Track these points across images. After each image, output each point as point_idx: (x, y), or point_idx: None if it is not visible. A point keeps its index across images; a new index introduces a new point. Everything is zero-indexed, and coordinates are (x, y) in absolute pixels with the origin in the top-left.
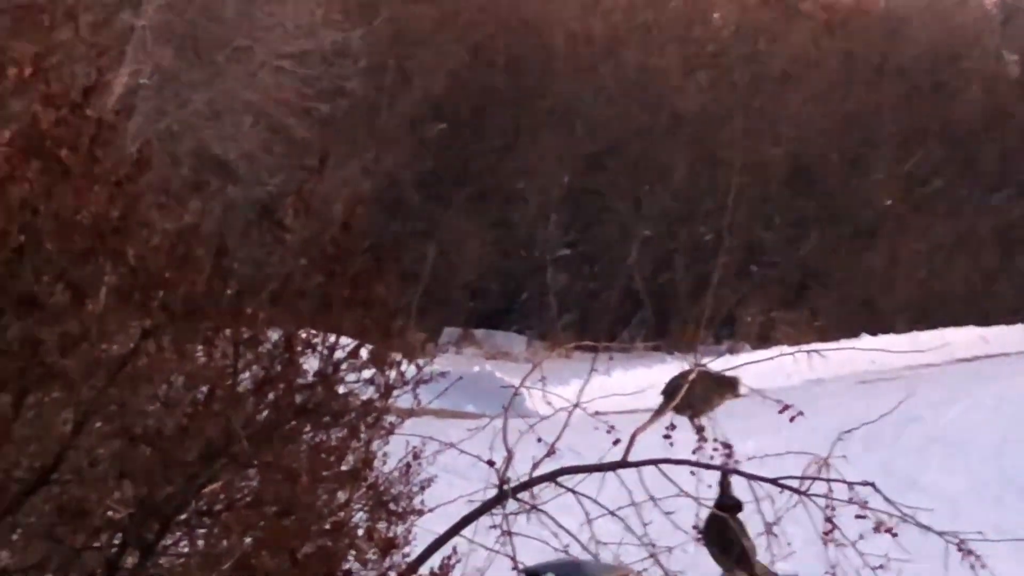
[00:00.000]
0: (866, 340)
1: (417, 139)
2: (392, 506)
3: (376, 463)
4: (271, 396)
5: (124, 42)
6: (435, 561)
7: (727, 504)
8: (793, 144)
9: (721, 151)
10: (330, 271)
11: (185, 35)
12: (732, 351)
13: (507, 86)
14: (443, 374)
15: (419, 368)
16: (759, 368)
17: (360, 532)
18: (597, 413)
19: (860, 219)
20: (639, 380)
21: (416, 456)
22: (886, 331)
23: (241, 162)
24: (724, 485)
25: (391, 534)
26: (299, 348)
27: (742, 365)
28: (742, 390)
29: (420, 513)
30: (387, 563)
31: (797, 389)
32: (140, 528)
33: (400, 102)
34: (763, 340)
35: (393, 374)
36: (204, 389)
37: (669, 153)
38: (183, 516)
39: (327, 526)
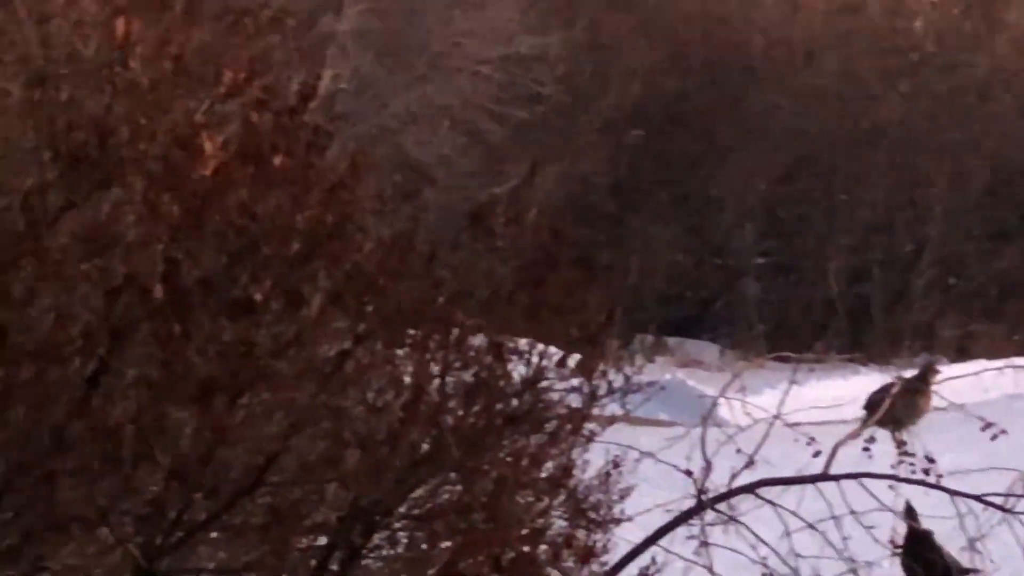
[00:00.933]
0: None
1: (613, 145)
2: (591, 514)
3: (576, 471)
4: (478, 403)
5: (325, 47)
6: (632, 571)
7: (925, 530)
8: (995, 155)
9: (920, 161)
10: (538, 279)
11: (385, 40)
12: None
13: (704, 92)
14: (651, 384)
15: (627, 377)
16: (957, 382)
17: (559, 540)
18: (794, 425)
19: None
20: (834, 391)
21: (616, 464)
22: None
23: (438, 167)
24: (909, 514)
25: (590, 542)
26: (506, 355)
27: (945, 380)
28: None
29: (619, 522)
30: (585, 572)
31: (996, 404)
32: (348, 531)
33: (597, 108)
34: (961, 353)
35: (600, 383)
36: (412, 395)
37: (867, 163)
38: (390, 520)
39: (527, 532)
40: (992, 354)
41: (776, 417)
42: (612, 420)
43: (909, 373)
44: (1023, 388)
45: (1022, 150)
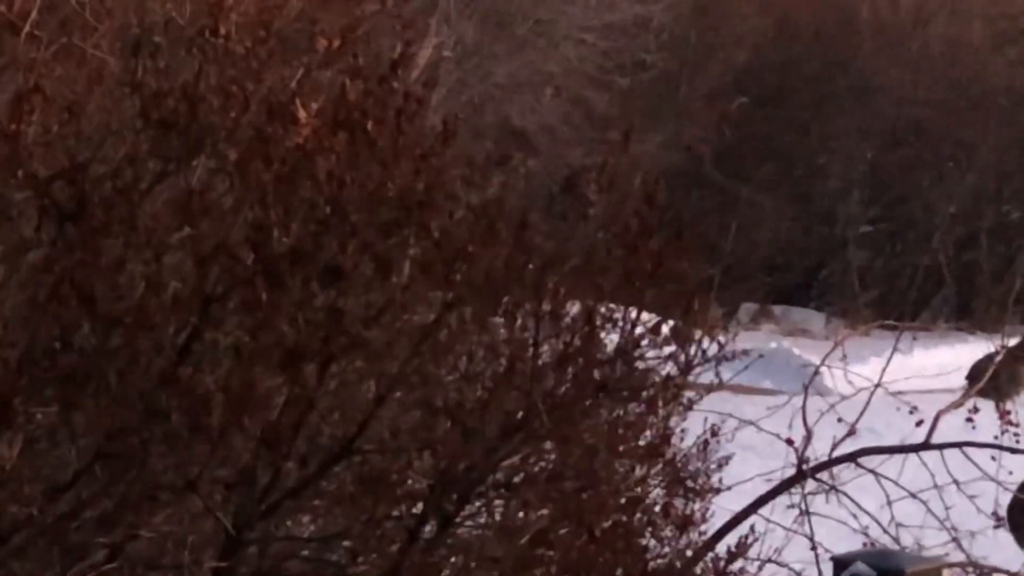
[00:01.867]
0: None
1: (718, 113)
2: (689, 483)
3: (674, 439)
4: (570, 371)
5: (428, 15)
6: (732, 539)
7: None
8: None
9: None
10: (632, 246)
11: (488, 8)
12: None
13: (811, 60)
14: (746, 352)
15: (721, 345)
16: None
17: (656, 509)
18: (898, 393)
19: None
20: (941, 360)
21: (715, 433)
22: None
23: (542, 135)
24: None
25: (688, 511)
26: (599, 323)
27: None
28: None
29: (717, 491)
30: (684, 540)
31: None
32: (440, 500)
33: (701, 76)
34: None
35: (693, 351)
36: (504, 363)
37: (976, 130)
38: (482, 489)
39: (623, 501)
40: None
41: (877, 385)
42: (715, 388)
43: (1014, 341)
44: None
45: None
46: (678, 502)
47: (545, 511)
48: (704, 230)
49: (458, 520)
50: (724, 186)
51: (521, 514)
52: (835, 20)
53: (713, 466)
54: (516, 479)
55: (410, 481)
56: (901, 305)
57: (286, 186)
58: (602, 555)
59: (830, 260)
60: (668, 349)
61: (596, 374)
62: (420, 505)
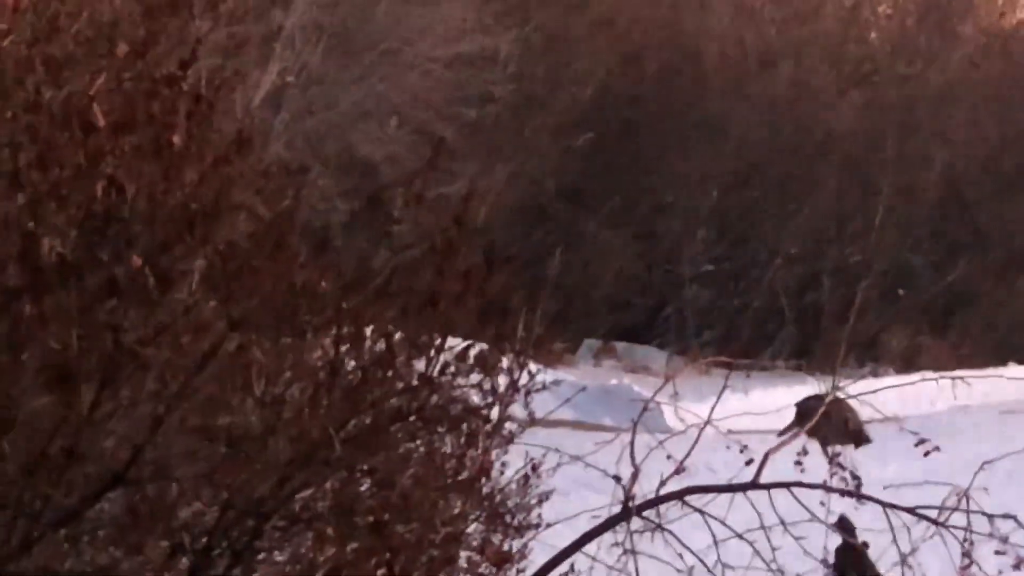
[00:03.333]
0: (1013, 369)
1: (564, 148)
2: (508, 519)
3: (495, 474)
4: (368, 398)
5: (272, 40)
6: None
7: (858, 545)
8: (946, 168)
9: (872, 172)
10: (439, 266)
11: (335, 35)
12: (875, 375)
13: (658, 98)
14: (556, 383)
15: (531, 375)
16: (902, 394)
17: (475, 544)
18: (730, 432)
19: (1012, 245)
20: (779, 400)
21: (535, 468)
22: None
23: (387, 165)
24: (843, 527)
25: (506, 547)
26: (403, 348)
27: (882, 389)
28: (868, 439)
29: (538, 527)
30: None
31: (941, 416)
32: (227, 533)
33: (548, 110)
34: (907, 365)
35: (503, 380)
36: (299, 388)
37: (819, 172)
38: (276, 522)
39: (436, 538)
40: (938, 366)
41: (707, 423)
42: (547, 423)
43: (850, 383)
44: (968, 401)
45: (974, 164)
46: (496, 538)
47: (334, 549)
48: (546, 265)
49: (249, 556)
50: (569, 221)
51: (316, 550)
52: (682, 59)
53: (533, 501)
54: (306, 512)
55: (192, 513)
56: (742, 344)
57: (60, 192)
58: None
59: (673, 298)
60: (477, 378)
61: (396, 402)
62: (206, 538)
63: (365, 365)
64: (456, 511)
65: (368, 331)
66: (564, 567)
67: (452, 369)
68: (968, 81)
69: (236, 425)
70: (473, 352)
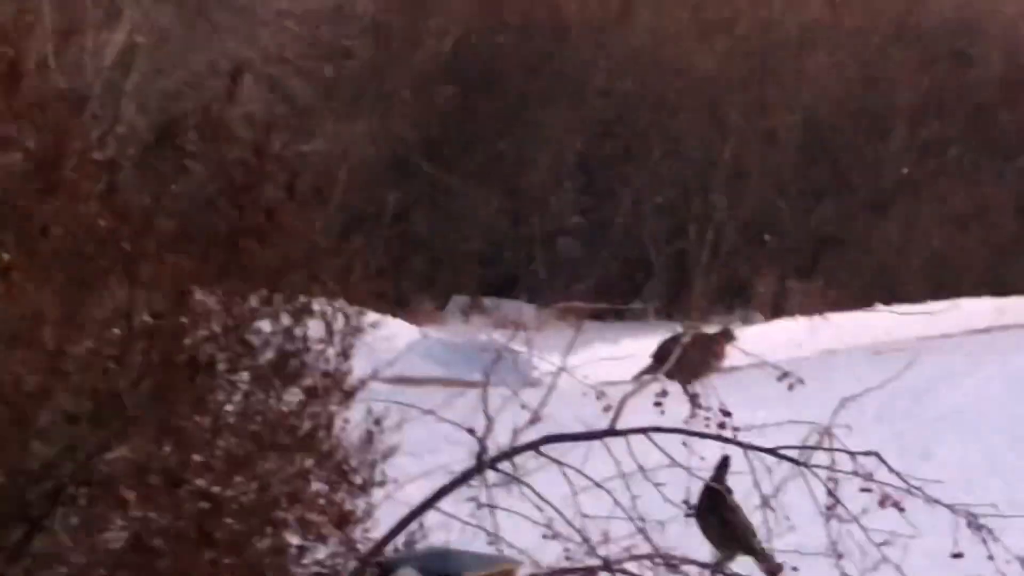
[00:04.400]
0: (880, 310)
1: (425, 103)
2: (351, 476)
3: (337, 431)
4: (156, 351)
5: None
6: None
7: (723, 483)
8: (808, 112)
9: (736, 119)
10: (238, 202)
11: None
12: (744, 321)
13: (518, 49)
14: (374, 325)
15: (347, 319)
16: (770, 338)
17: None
18: (603, 384)
19: (876, 188)
20: (649, 349)
21: (378, 422)
22: (901, 301)
23: (242, 123)
24: (722, 466)
25: (349, 506)
26: (197, 295)
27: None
28: (736, 334)
29: (383, 484)
30: (347, 536)
31: (810, 360)
32: (21, 499)
33: (408, 64)
34: (776, 310)
35: (313, 329)
36: (89, 342)
37: (682, 120)
38: (78, 489)
39: (267, 497)
40: (807, 310)
41: (560, 370)
42: (418, 381)
43: (713, 325)
44: (836, 344)
45: (835, 107)
46: (339, 497)
47: (140, 513)
48: (412, 222)
49: (46, 521)
50: (433, 177)
51: (109, 511)
52: (542, 9)
53: (376, 458)
54: (103, 475)
55: None
56: (612, 296)
57: None
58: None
59: (541, 252)
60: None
61: (202, 352)
62: None
63: (161, 313)
64: (294, 470)
65: (164, 276)
66: (418, 523)
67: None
68: (828, 24)
69: (5, 382)
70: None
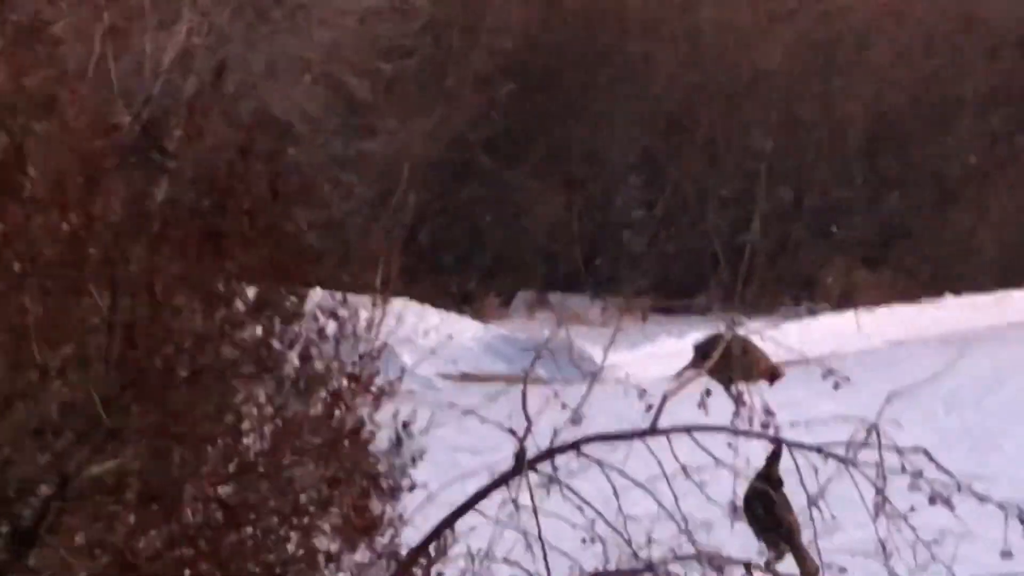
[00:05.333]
0: (949, 301)
1: (486, 99)
2: (378, 482)
3: (367, 435)
4: (142, 352)
5: (177, 1)
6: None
7: (772, 477)
8: (874, 102)
9: (801, 110)
10: (222, 204)
11: None
12: (811, 313)
13: (580, 43)
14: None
15: (339, 320)
16: (839, 329)
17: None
18: (651, 377)
19: (944, 177)
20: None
21: (406, 426)
22: (970, 291)
23: (302, 124)
24: (772, 458)
25: (377, 511)
26: (179, 297)
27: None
28: (782, 373)
29: (412, 488)
30: (377, 542)
31: (879, 351)
32: (8, 516)
33: (468, 61)
34: (844, 301)
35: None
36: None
37: (747, 112)
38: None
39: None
40: (874, 301)
41: (600, 369)
42: (478, 378)
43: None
44: (906, 335)
45: (900, 97)
46: (366, 502)
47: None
48: (476, 219)
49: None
50: (495, 173)
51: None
52: (604, 3)
53: (406, 462)
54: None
55: None
56: (678, 290)
57: None
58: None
59: (605, 246)
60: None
61: (169, 357)
62: None
63: (143, 317)
64: (319, 474)
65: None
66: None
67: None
68: (893, 14)
69: None
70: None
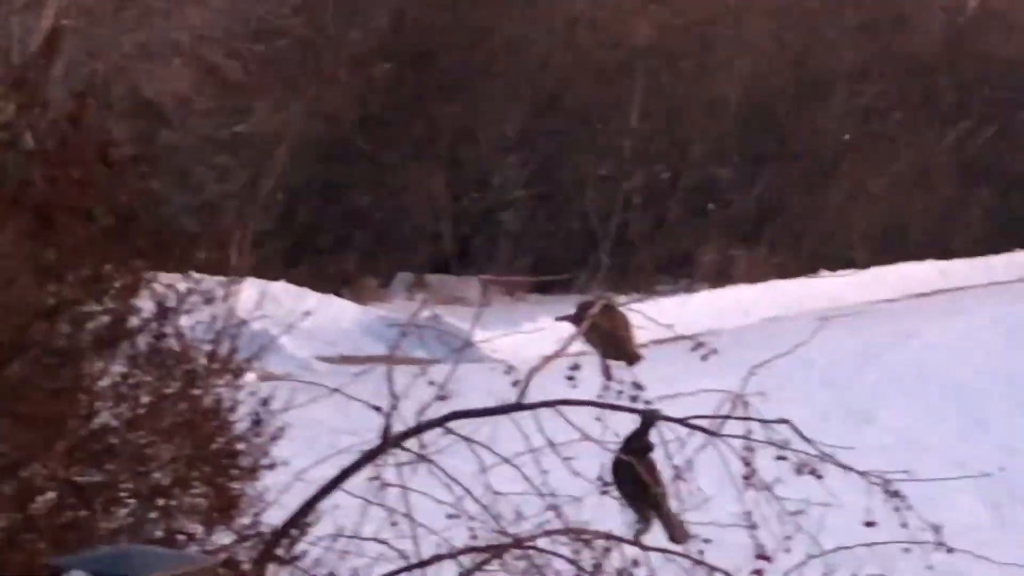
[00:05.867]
0: (825, 277)
1: (362, 80)
2: (237, 460)
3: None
4: None
5: None
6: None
7: (639, 446)
8: (748, 80)
9: (676, 88)
10: (52, 175)
11: None
12: (689, 291)
13: (456, 23)
14: (189, 290)
15: (178, 294)
16: (716, 306)
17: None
18: (533, 356)
19: (818, 154)
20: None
21: (265, 403)
22: (846, 267)
23: (175, 106)
24: (639, 428)
25: (235, 491)
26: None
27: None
28: (642, 354)
29: (272, 467)
30: (240, 522)
31: (755, 328)
32: None
33: (343, 41)
34: (721, 279)
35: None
36: None
37: (623, 91)
38: None
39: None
40: (752, 278)
41: (468, 344)
42: (357, 360)
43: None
44: (781, 311)
45: (775, 74)
46: (224, 481)
47: None
48: (353, 200)
49: None
50: (372, 155)
51: None
52: None
53: (265, 441)
54: None
55: None
56: (556, 269)
57: None
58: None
59: (484, 227)
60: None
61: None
62: None
63: None
64: (174, 454)
65: None
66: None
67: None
68: None
69: None
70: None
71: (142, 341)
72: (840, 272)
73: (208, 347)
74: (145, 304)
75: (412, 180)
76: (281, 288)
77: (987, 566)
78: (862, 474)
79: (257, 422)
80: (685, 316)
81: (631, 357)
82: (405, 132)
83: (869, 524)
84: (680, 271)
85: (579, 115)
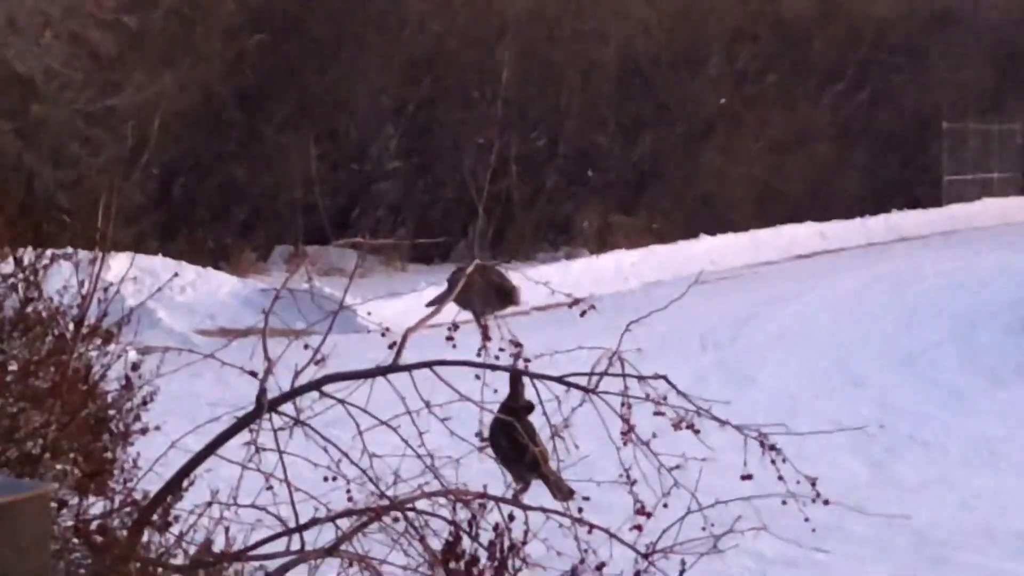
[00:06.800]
0: (704, 240)
1: (236, 51)
2: (106, 426)
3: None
4: None
5: None
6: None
7: (517, 407)
8: (623, 45)
9: (553, 54)
10: None
11: None
12: (569, 257)
13: None
14: (56, 256)
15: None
16: (596, 274)
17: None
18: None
19: (694, 119)
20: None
21: (136, 367)
22: (725, 230)
23: (46, 80)
24: (515, 387)
25: (107, 458)
26: None
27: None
28: (521, 300)
29: (144, 432)
30: (113, 489)
31: (636, 293)
32: None
33: (215, 13)
34: (601, 245)
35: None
36: None
37: (498, 58)
38: None
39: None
40: (631, 244)
41: (340, 308)
42: (236, 332)
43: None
44: (662, 276)
45: (651, 39)
46: (97, 447)
47: None
48: (229, 173)
49: None
50: (248, 127)
51: None
52: None
53: (137, 405)
54: None
55: None
56: (436, 238)
57: None
58: None
59: (363, 197)
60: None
61: None
62: None
63: None
64: (42, 420)
65: None
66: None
67: None
68: None
69: None
70: None
71: (8, 307)
72: (719, 236)
73: (76, 313)
74: (11, 272)
75: (288, 152)
76: (158, 262)
77: (865, 520)
78: (738, 428)
79: (127, 387)
80: (565, 282)
81: (512, 294)
82: (280, 103)
83: (746, 478)
84: (560, 238)
85: (455, 83)
